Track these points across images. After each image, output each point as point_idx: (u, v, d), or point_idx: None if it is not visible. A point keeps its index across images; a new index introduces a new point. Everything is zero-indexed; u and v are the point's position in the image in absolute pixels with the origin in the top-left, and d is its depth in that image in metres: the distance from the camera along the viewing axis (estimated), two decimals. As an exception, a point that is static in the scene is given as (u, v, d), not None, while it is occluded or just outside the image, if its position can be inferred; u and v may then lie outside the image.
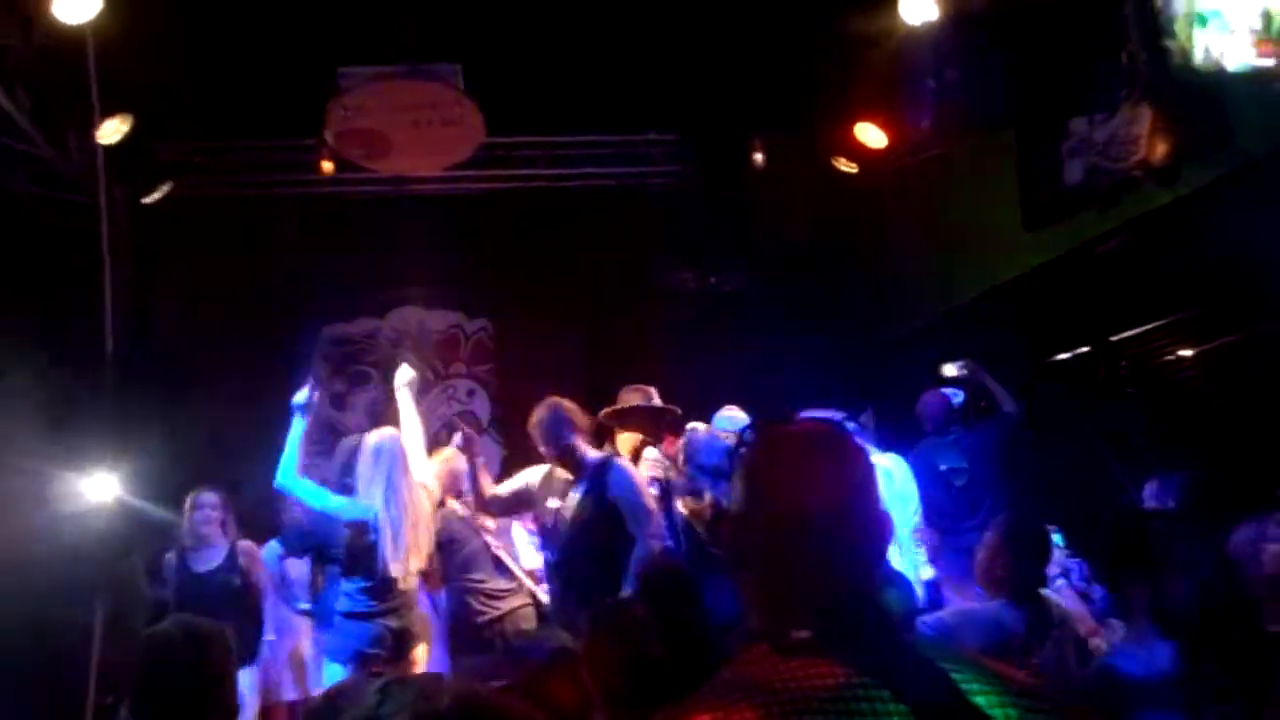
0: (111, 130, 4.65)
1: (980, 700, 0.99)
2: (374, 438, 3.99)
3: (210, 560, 4.26)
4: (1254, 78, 3.35)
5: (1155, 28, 3.43)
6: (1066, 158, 4.51)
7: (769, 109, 5.77)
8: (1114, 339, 4.82)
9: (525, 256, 6.29)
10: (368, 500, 3.84)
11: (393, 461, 3.89)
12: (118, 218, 5.03)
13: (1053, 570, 3.55)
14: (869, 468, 1.23)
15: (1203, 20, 3.41)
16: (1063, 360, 5.22)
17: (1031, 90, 4.10)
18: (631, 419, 4.28)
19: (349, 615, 3.87)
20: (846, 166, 5.43)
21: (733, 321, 6.45)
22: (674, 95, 5.88)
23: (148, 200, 5.08)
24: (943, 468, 4.68)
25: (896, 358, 6.19)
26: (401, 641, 3.81)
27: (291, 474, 3.86)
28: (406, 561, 3.83)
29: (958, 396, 4.96)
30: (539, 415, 3.83)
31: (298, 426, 3.91)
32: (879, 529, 1.18)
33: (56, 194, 4.75)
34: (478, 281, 6.53)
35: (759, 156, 5.89)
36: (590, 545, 3.64)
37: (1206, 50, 3.41)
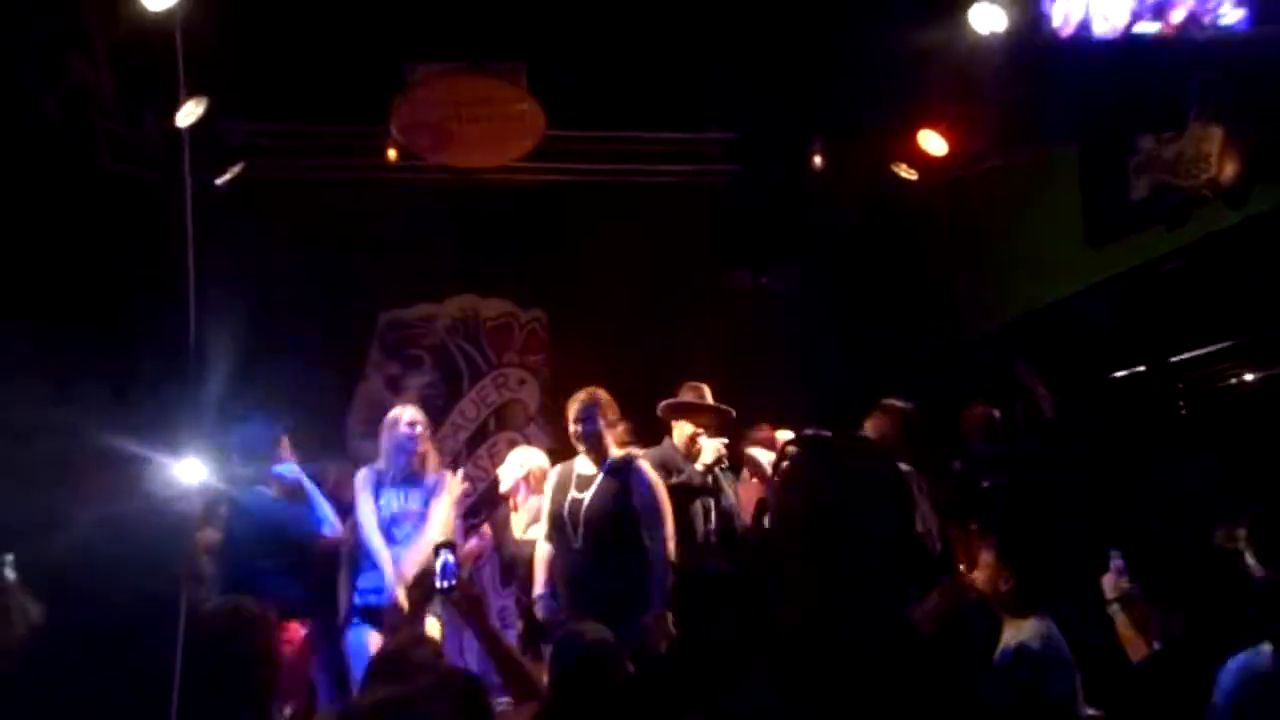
0: (189, 112, 4.80)
1: None
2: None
3: None
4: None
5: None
6: (1133, 174, 4.44)
7: (831, 111, 5.73)
8: (1173, 360, 4.72)
9: (581, 250, 6.33)
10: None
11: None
12: (189, 199, 5.20)
13: (1112, 594, 3.49)
14: (902, 488, 1.24)
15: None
16: (1119, 379, 5.12)
17: (1099, 106, 4.03)
18: (686, 411, 4.41)
19: None
20: (907, 173, 5.38)
21: (784, 323, 6.44)
22: (736, 94, 5.87)
23: (220, 181, 5.24)
24: (985, 484, 4.64)
25: (949, 369, 6.13)
26: None
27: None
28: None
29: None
30: (578, 398, 4.08)
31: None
32: (902, 548, 1.19)
33: (135, 171, 4.92)
34: (534, 273, 6.60)
35: (818, 159, 5.86)
36: (613, 540, 3.86)
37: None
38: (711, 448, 4.29)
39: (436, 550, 4.09)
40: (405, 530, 4.20)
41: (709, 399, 4.50)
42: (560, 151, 6.17)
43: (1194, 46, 3.13)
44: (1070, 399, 4.74)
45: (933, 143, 4.97)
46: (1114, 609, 3.46)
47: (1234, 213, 4.05)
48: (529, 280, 6.70)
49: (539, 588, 4.01)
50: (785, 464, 1.27)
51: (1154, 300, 4.68)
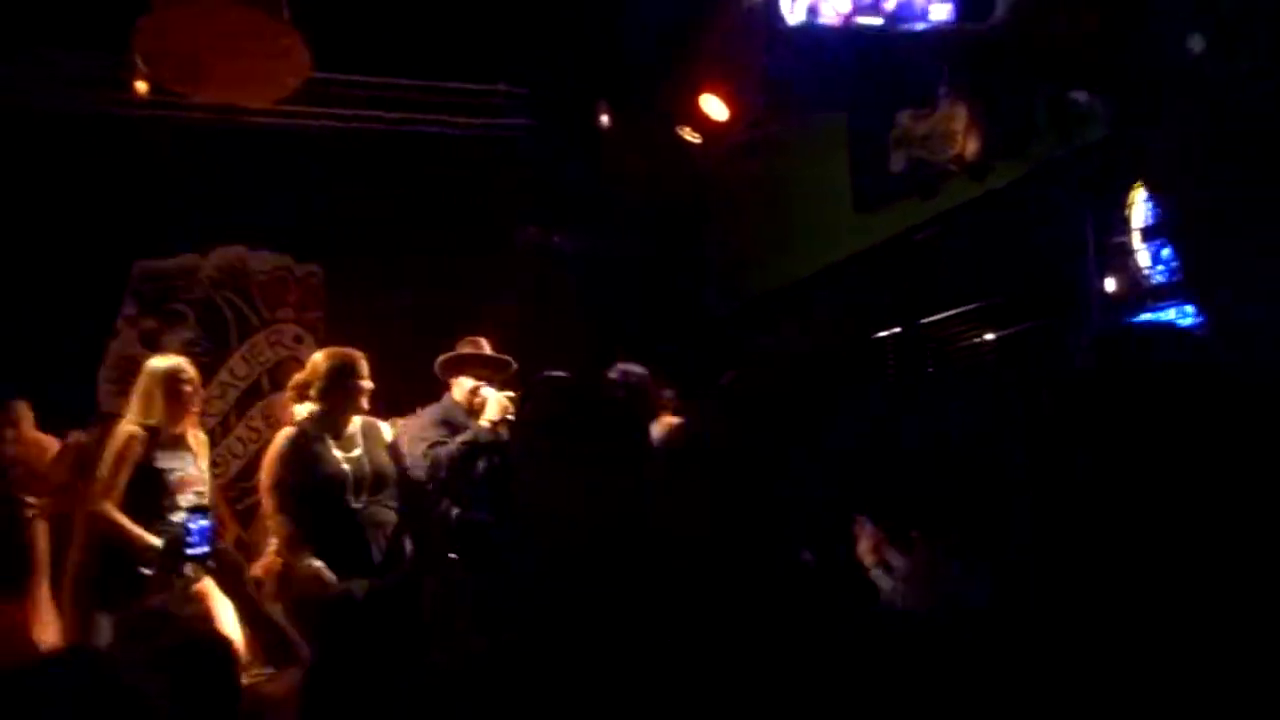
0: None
1: None
2: None
3: None
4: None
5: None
6: (892, 147, 4.72)
7: (619, 71, 5.74)
8: (923, 321, 5.09)
9: (362, 202, 6.04)
10: None
11: None
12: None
13: (869, 560, 3.65)
14: (641, 427, 1.25)
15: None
16: (881, 339, 5.48)
17: (860, 80, 4.25)
18: (464, 365, 4.31)
19: None
20: (690, 136, 5.47)
21: (573, 282, 6.44)
22: (526, 48, 5.76)
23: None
24: None
25: (730, 330, 6.35)
26: None
27: None
28: None
29: None
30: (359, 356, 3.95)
31: None
32: (636, 471, 1.21)
33: None
34: (310, 224, 6.23)
35: (605, 119, 5.86)
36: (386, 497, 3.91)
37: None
38: (496, 402, 4.18)
39: (191, 514, 3.82)
40: (190, 498, 3.92)
41: (487, 351, 4.42)
42: (338, 97, 5.87)
43: (907, 38, 3.34)
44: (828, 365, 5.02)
45: (713, 106, 5.07)
46: (876, 574, 3.64)
47: (977, 186, 4.40)
48: (304, 232, 6.32)
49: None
50: (525, 405, 1.27)
51: (908, 266, 5.03)
